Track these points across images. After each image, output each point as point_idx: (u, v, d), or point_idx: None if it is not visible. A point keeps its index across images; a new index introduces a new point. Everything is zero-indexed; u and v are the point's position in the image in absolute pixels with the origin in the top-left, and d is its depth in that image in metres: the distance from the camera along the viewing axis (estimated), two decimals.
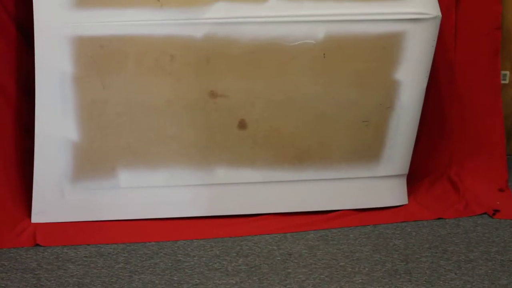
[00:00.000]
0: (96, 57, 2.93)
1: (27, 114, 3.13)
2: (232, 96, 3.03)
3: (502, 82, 3.65)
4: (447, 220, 3.30)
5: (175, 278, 2.80)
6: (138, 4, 2.91)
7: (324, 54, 3.02)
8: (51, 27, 2.88)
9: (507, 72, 3.76)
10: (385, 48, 3.06)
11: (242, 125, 3.08)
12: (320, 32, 3.00)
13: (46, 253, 2.94)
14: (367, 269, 2.90)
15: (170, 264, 2.90)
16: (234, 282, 2.78)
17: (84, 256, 2.92)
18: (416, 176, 3.52)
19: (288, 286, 2.77)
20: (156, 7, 2.92)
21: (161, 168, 3.11)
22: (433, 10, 3.06)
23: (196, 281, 2.78)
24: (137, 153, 3.07)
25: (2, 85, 3.14)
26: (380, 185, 3.31)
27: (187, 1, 2.93)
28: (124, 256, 2.93)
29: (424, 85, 3.18)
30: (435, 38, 3.10)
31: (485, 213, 3.37)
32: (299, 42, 2.99)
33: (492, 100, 3.58)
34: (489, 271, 2.90)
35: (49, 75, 2.93)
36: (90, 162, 3.06)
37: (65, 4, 2.88)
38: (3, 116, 3.14)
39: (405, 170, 3.34)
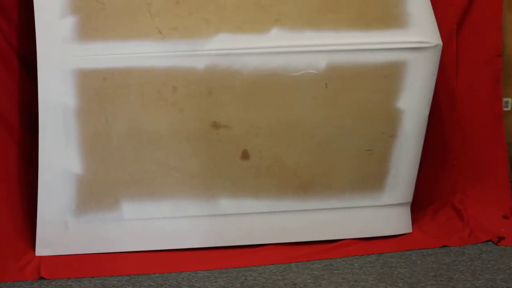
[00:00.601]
0: (99, 90, 2.94)
1: (31, 146, 3.14)
2: (235, 127, 3.04)
3: (504, 109, 3.67)
4: (451, 247, 3.29)
5: None
6: (140, 37, 2.93)
7: (326, 84, 3.03)
8: (54, 60, 2.90)
9: (509, 99, 3.78)
10: (386, 77, 3.07)
11: (245, 155, 3.09)
12: (321, 62, 3.01)
13: (50, 286, 2.93)
14: None
15: None
16: None
17: None
18: (420, 204, 3.52)
19: None
20: (158, 39, 2.94)
21: (164, 199, 3.11)
22: (434, 39, 3.07)
23: None
24: (141, 185, 3.07)
25: (6, 118, 3.15)
26: (384, 213, 3.30)
27: (189, 33, 2.95)
28: None
29: (427, 113, 3.19)
30: (437, 66, 3.11)
31: (489, 241, 3.35)
32: (301, 72, 3.01)
33: (494, 127, 3.60)
34: None
35: (52, 107, 2.94)
36: (94, 194, 3.06)
37: (67, 37, 2.90)
38: (7, 148, 3.16)
39: (409, 198, 3.33)
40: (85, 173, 3.02)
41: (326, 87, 3.04)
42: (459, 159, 3.60)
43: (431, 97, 3.16)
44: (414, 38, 3.05)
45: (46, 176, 3.00)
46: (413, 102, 3.12)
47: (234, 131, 3.05)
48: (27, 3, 3.04)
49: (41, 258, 3.07)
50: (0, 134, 3.14)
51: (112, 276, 3.00)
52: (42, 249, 3.08)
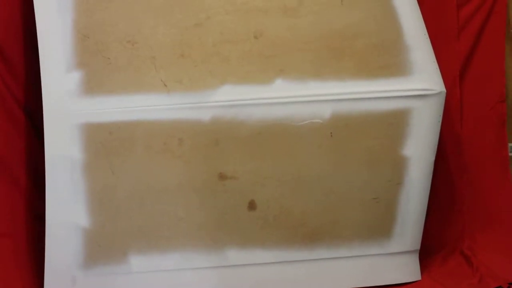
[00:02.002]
0: (105, 143, 2.95)
1: (38, 201, 3.15)
2: (241, 177, 3.04)
3: (510, 154, 3.66)
4: None
5: None
6: (145, 90, 2.95)
7: (331, 133, 3.04)
8: (60, 115, 2.92)
9: None
10: (391, 125, 3.07)
11: (252, 206, 3.08)
12: (326, 111, 3.02)
13: None
14: None
15: None
16: None
17: None
18: (429, 251, 3.49)
19: None
20: (163, 92, 2.96)
21: (172, 251, 3.09)
22: (438, 86, 3.08)
23: None
24: (148, 237, 3.06)
25: (13, 173, 3.17)
26: (392, 261, 3.28)
27: (193, 85, 2.97)
28: None
29: (432, 159, 3.19)
30: (441, 113, 3.12)
31: (500, 287, 3.32)
32: (306, 122, 3.02)
33: (500, 172, 3.59)
34: None
35: (59, 162, 2.95)
36: (102, 247, 3.05)
37: (73, 92, 2.93)
38: (14, 203, 3.16)
39: (417, 246, 3.31)
40: (92, 226, 3.02)
41: (331, 136, 3.05)
42: (466, 204, 3.59)
43: (436, 144, 3.17)
44: (418, 86, 3.06)
45: (53, 230, 2.99)
46: (419, 149, 3.13)
47: (240, 182, 3.05)
48: (33, 58, 3.07)
49: None
50: (7, 188, 3.16)
51: None
52: None
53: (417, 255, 3.35)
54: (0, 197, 3.13)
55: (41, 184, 3.01)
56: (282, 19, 3.05)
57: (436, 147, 3.17)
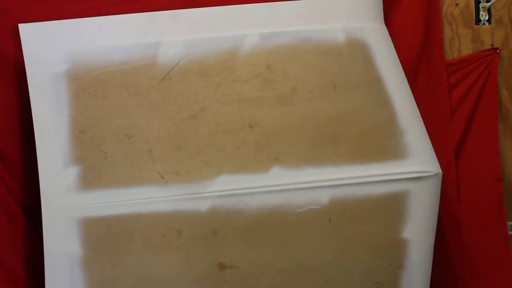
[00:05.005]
0: (104, 237, 2.95)
1: None
2: (241, 267, 3.03)
3: (510, 233, 3.65)
4: None
5: None
6: (143, 183, 2.96)
7: (329, 219, 3.04)
8: (58, 211, 2.93)
9: None
10: (389, 208, 3.07)
11: None
12: (323, 197, 3.03)
13: None
14: None
15: None
16: None
17: None
18: None
19: None
20: (160, 184, 2.97)
21: None
22: (433, 167, 3.09)
23: None
24: None
25: (12, 271, 3.15)
26: None
27: (190, 176, 2.98)
28: None
29: (432, 241, 3.17)
30: (438, 194, 3.12)
31: None
32: (304, 209, 3.02)
33: (501, 251, 3.57)
34: None
35: (57, 257, 2.94)
36: None
37: (71, 187, 2.94)
38: None
39: None
40: None
41: (330, 222, 3.04)
42: (469, 286, 3.57)
43: (435, 225, 3.16)
44: (414, 168, 3.07)
45: None
46: (418, 231, 3.12)
47: (241, 271, 3.03)
48: (30, 155, 3.09)
49: None
50: (6, 287, 3.13)
51: None
52: None
53: None
54: None
55: (40, 281, 2.99)
56: (276, 108, 3.07)
57: (435, 228, 3.16)
